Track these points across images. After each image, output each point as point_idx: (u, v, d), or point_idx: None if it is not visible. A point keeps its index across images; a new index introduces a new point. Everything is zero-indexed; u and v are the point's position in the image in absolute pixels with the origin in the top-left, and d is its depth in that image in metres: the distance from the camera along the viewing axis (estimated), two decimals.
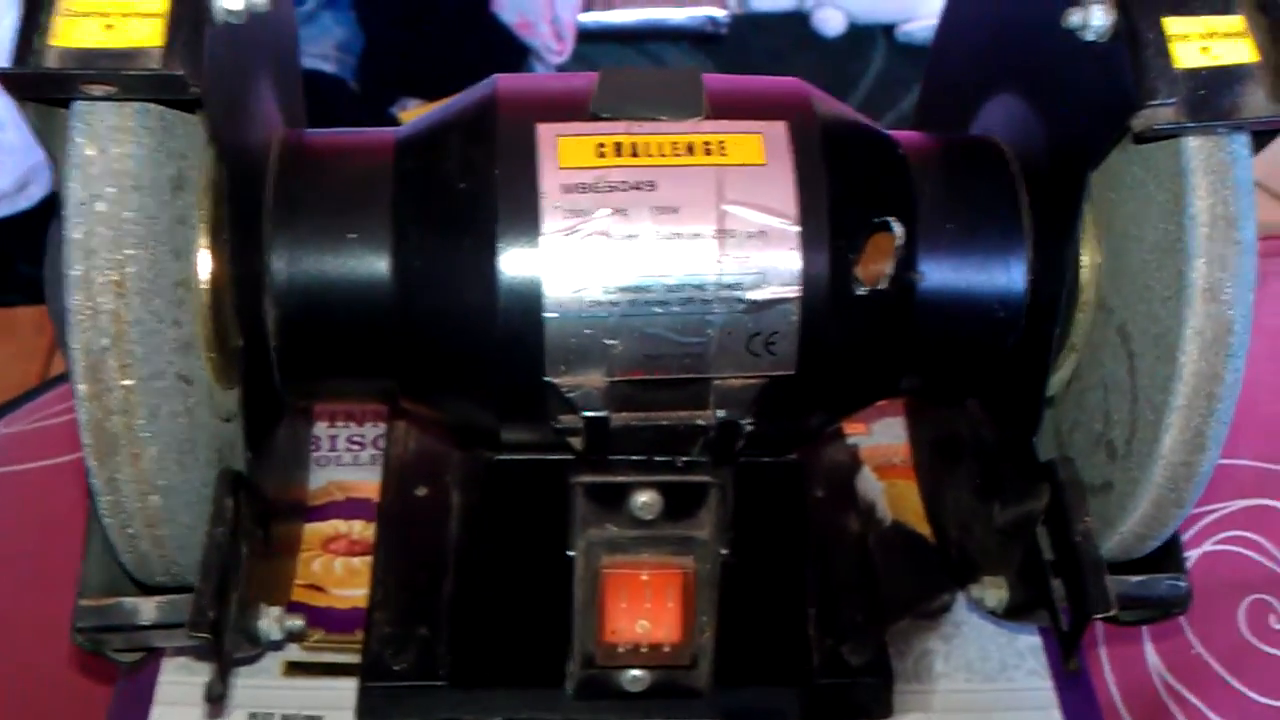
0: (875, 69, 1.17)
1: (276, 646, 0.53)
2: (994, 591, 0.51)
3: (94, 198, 0.38)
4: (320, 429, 0.64)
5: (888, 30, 1.14)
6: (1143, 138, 0.42)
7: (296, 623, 0.48)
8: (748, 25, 1.16)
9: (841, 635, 0.55)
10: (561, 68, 1.24)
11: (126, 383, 0.39)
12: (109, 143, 0.39)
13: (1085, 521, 0.46)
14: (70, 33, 0.38)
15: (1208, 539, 0.65)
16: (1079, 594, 0.45)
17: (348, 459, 0.63)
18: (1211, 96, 0.41)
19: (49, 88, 0.38)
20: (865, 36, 1.15)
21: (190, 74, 0.37)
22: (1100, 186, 0.46)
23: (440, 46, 1.15)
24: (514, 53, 1.21)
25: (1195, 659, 0.62)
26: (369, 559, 0.57)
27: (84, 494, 0.41)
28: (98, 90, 0.38)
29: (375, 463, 0.62)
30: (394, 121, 1.11)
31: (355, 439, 0.64)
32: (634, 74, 0.46)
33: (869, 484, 0.63)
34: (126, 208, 0.39)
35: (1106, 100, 0.42)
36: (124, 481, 0.40)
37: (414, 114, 1.08)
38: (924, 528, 0.61)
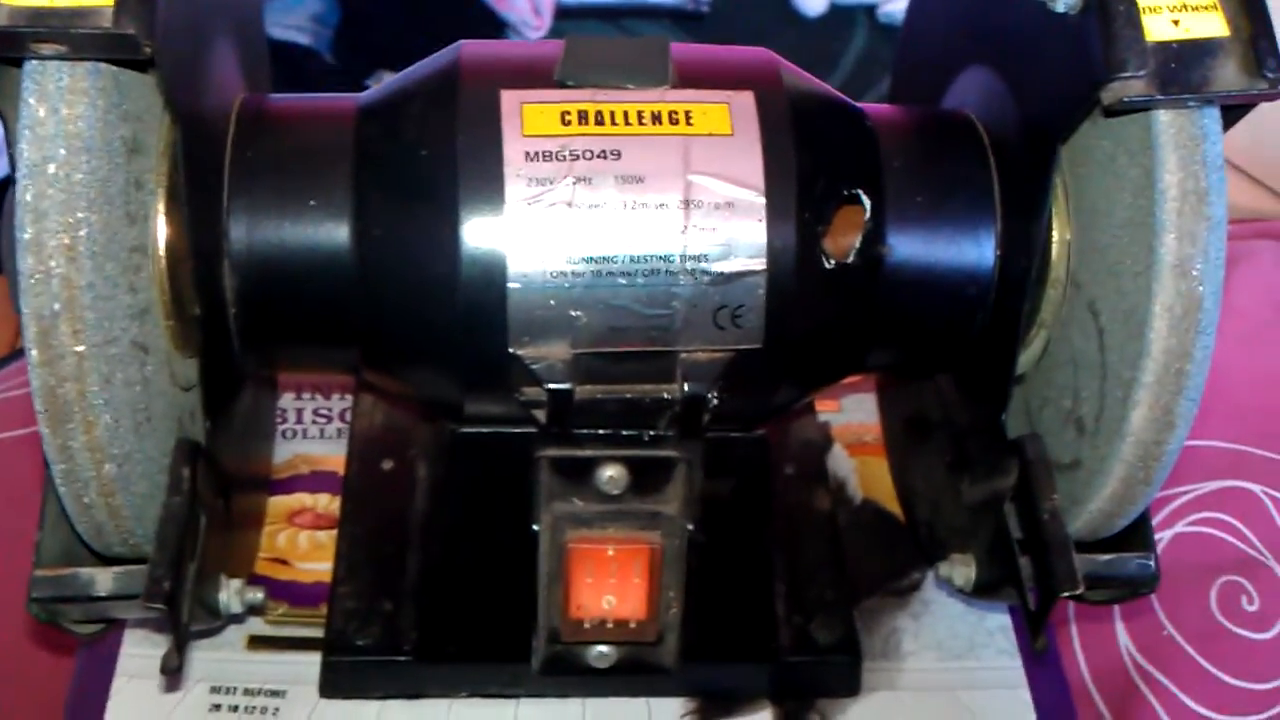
0: (856, 48, 1.16)
1: (237, 620, 0.53)
2: (962, 569, 0.50)
3: (45, 160, 0.38)
4: (286, 401, 0.63)
5: (869, 10, 1.13)
6: (1112, 111, 0.42)
7: (257, 595, 0.48)
8: (728, 3, 1.15)
9: (810, 613, 0.54)
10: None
11: (78, 349, 0.38)
12: (60, 103, 0.38)
13: (1053, 499, 0.45)
14: None
15: (1180, 520, 0.65)
16: (1046, 572, 0.44)
17: (314, 432, 0.63)
18: (1182, 70, 0.41)
19: None
20: (847, 16, 1.14)
21: (141, 33, 0.37)
22: (1070, 161, 0.46)
23: (417, 20, 1.14)
24: (492, 27, 1.20)
25: (1166, 640, 0.62)
26: (334, 533, 0.57)
27: (41, 459, 0.41)
28: (48, 49, 0.37)
29: (342, 436, 0.62)
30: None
31: (322, 412, 0.63)
32: (601, 42, 0.45)
33: (840, 461, 0.63)
34: (78, 170, 0.38)
35: (1076, 73, 0.42)
36: (78, 449, 0.40)
37: None
38: (895, 506, 0.61)
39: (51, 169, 0.38)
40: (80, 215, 0.38)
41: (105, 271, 0.39)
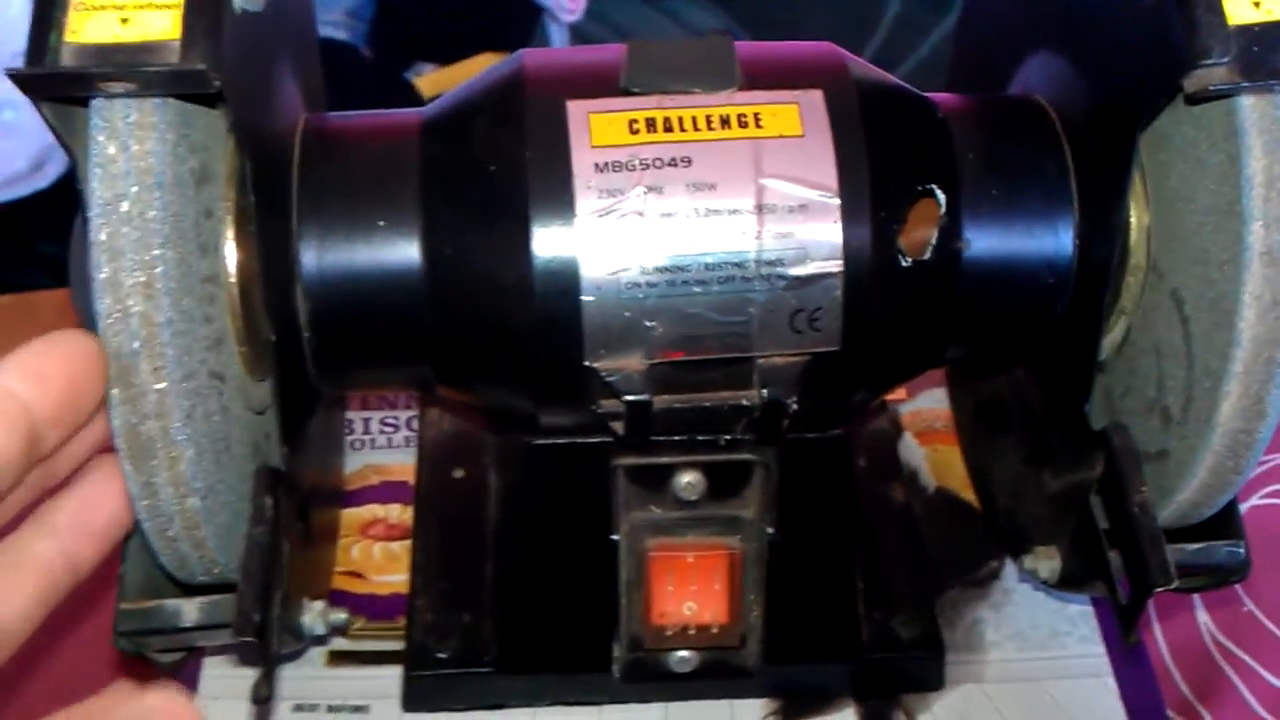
0: (892, 13, 1.15)
1: (320, 641, 0.53)
2: (1047, 562, 0.50)
3: (118, 198, 0.37)
4: (353, 413, 0.63)
5: None
6: (1195, 98, 0.41)
7: (340, 616, 0.47)
8: None
9: (891, 608, 0.54)
10: (575, 26, 1.22)
11: (159, 385, 0.38)
12: (130, 139, 0.37)
13: (1143, 491, 0.44)
14: (85, 28, 0.37)
15: (1254, 493, 0.64)
16: (1138, 565, 0.44)
17: (382, 441, 0.62)
18: (1265, 53, 0.39)
19: (66, 87, 0.37)
20: None
21: (210, 66, 0.36)
22: (1149, 147, 0.45)
23: (452, 9, 1.13)
24: (527, 12, 1.19)
25: (1246, 616, 0.61)
26: (408, 543, 0.57)
27: None
28: (117, 88, 0.36)
29: (410, 445, 0.62)
30: (408, 86, 1.09)
31: (389, 421, 0.63)
32: (664, 45, 0.45)
33: (911, 450, 0.62)
34: (151, 206, 0.37)
35: (1156, 60, 0.41)
36: (161, 485, 0.39)
37: (429, 79, 1.07)
38: (968, 494, 0.60)
39: (125, 207, 0.37)
40: (156, 252, 0.37)
41: (182, 306, 0.38)
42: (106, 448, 0.39)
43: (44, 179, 1.08)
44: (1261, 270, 0.41)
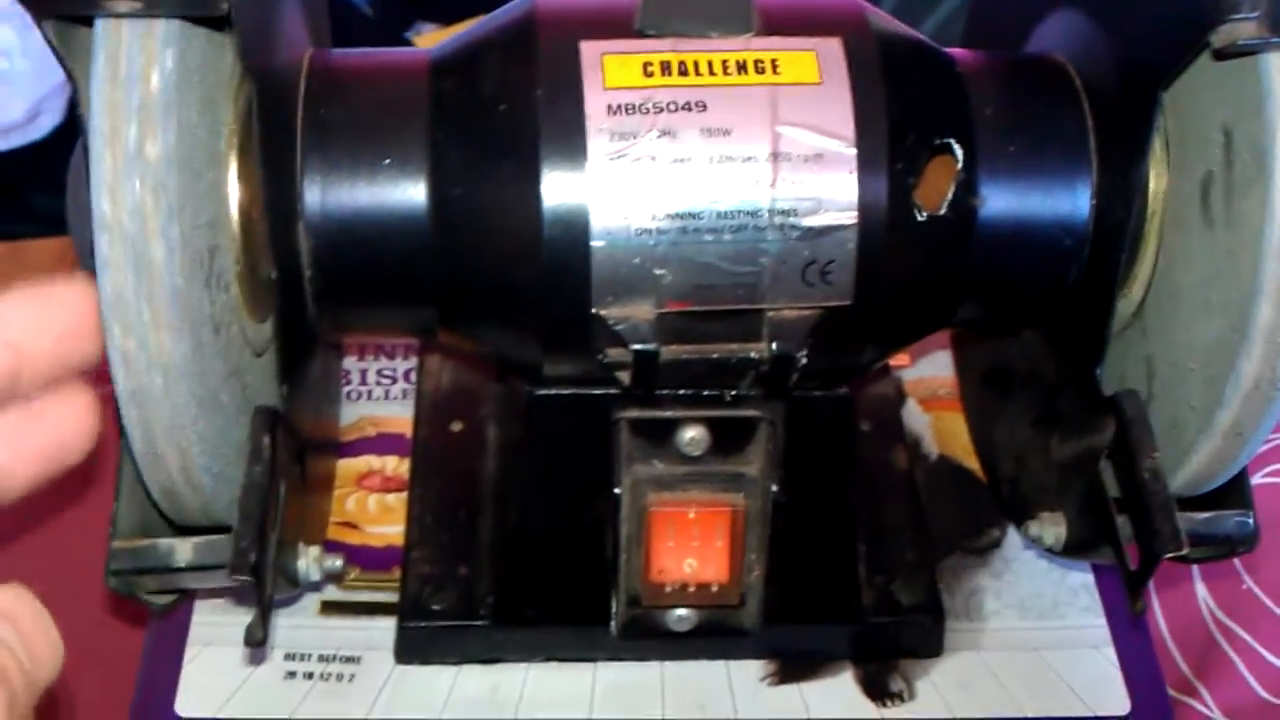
0: None
1: (315, 587, 0.52)
2: (1052, 528, 0.49)
3: (119, 123, 0.36)
4: (350, 363, 0.62)
5: None
6: (1223, 54, 0.40)
7: (336, 563, 0.47)
8: None
9: (891, 573, 0.53)
10: None
11: (159, 322, 0.37)
12: (134, 63, 0.36)
13: (1154, 457, 0.44)
14: None
15: (1257, 471, 0.64)
16: (1148, 532, 0.43)
17: (378, 393, 0.62)
18: None
19: (71, 3, 0.36)
20: None
21: None
22: (1173, 106, 0.44)
23: None
24: None
25: (1245, 594, 0.60)
26: (403, 495, 0.56)
27: (115, 430, 0.40)
28: (122, 6, 0.35)
29: (407, 397, 0.61)
30: (409, 46, 1.08)
31: (386, 372, 0.62)
32: None
33: (914, 417, 0.61)
34: (153, 133, 0.36)
35: (1184, 15, 0.40)
36: (158, 423, 0.39)
37: (429, 39, 1.05)
38: (972, 462, 0.60)
39: (127, 132, 0.36)
40: (157, 182, 0.36)
41: (183, 242, 0.37)
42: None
43: (39, 130, 1.07)
44: None
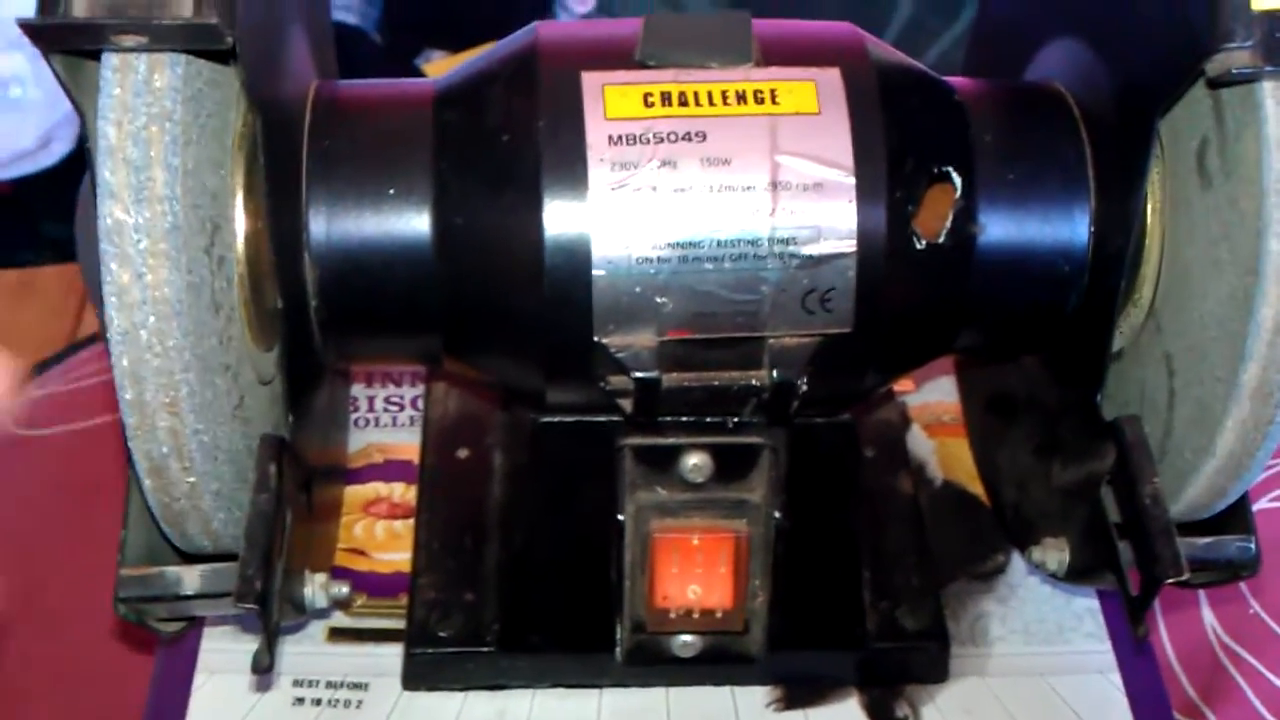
0: (903, 15, 1.15)
1: (322, 614, 0.53)
2: (1055, 554, 0.49)
3: (126, 154, 0.37)
4: (358, 390, 0.63)
5: None
6: (1217, 82, 0.40)
7: (342, 589, 0.47)
8: None
9: (896, 599, 0.53)
10: (587, 18, 1.22)
11: (165, 350, 0.38)
12: (140, 96, 0.37)
13: (1154, 483, 0.44)
14: None
15: (1263, 496, 0.64)
16: (1149, 557, 0.43)
17: (386, 420, 0.62)
18: None
19: (78, 38, 0.36)
20: None
21: (224, 22, 0.36)
22: (1169, 134, 0.44)
23: None
24: (538, 2, 1.19)
25: (1252, 619, 0.60)
26: (410, 522, 0.56)
27: (121, 457, 0.40)
28: (129, 40, 0.36)
29: (414, 424, 0.61)
30: (418, 73, 1.09)
31: (393, 399, 0.63)
32: (680, 19, 0.45)
33: (919, 443, 0.62)
34: (159, 165, 0.37)
35: (1178, 42, 0.40)
36: (166, 455, 0.39)
37: (439, 66, 1.06)
38: (976, 487, 0.60)
39: (133, 162, 0.37)
40: (163, 212, 0.37)
41: (189, 271, 0.38)
42: None
43: (50, 157, 1.08)
44: None
